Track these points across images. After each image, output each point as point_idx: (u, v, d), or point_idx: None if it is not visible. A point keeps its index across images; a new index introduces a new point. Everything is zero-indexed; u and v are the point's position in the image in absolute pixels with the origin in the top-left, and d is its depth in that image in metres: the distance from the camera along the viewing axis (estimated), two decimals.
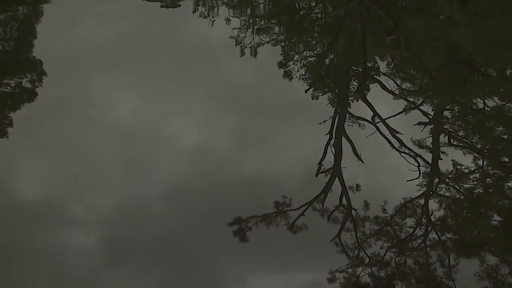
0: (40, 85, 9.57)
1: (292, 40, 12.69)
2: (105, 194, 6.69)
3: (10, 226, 6.05)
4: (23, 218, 6.16)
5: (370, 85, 9.99)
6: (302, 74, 10.55)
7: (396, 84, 9.85)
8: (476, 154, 7.76)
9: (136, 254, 5.74)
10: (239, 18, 13.97)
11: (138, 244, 5.84)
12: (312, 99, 9.56)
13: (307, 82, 10.21)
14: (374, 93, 9.55)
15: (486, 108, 8.90)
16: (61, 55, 10.62)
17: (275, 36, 12.62)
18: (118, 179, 6.98)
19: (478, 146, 8.15)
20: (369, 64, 10.85)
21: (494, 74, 10.04)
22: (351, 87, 9.99)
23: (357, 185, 7.03)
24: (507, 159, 7.85)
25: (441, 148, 7.91)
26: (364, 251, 6.06)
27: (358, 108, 9.04)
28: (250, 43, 12.25)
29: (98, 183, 6.88)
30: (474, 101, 9.24)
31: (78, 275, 5.42)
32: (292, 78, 10.45)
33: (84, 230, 6.08)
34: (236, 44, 12.20)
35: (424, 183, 7.19)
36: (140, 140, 7.85)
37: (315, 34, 13.35)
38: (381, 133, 8.18)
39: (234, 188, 6.92)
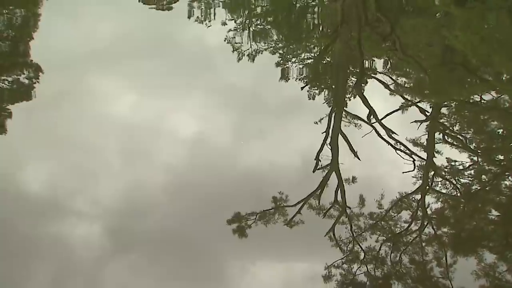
0: (38, 82, 9.64)
1: (290, 45, 12.77)
2: (105, 187, 6.72)
3: (12, 217, 6.07)
4: (24, 211, 6.17)
5: (367, 83, 10.05)
6: (299, 73, 10.63)
7: (393, 80, 9.92)
8: (470, 153, 7.80)
9: (136, 245, 5.76)
10: (235, 17, 14.05)
11: (138, 235, 5.87)
12: (309, 98, 9.62)
13: (304, 81, 10.28)
14: (371, 92, 9.62)
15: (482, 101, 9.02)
16: (57, 56, 10.68)
17: (272, 42, 12.69)
18: (118, 172, 7.01)
19: (473, 141, 8.25)
20: (366, 63, 10.93)
21: (490, 78, 10.11)
22: (348, 84, 10.06)
23: (353, 178, 7.07)
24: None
25: (436, 146, 7.97)
26: (359, 245, 6.09)
27: (355, 106, 9.10)
28: (247, 42, 12.33)
29: (99, 176, 6.91)
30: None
31: (80, 266, 5.43)
32: (289, 77, 10.52)
33: (85, 221, 6.10)
34: (232, 45, 12.27)
35: (420, 175, 7.23)
36: (140, 134, 7.90)
37: (313, 39, 13.44)
38: (377, 133, 8.21)
39: (234, 181, 6.96)
